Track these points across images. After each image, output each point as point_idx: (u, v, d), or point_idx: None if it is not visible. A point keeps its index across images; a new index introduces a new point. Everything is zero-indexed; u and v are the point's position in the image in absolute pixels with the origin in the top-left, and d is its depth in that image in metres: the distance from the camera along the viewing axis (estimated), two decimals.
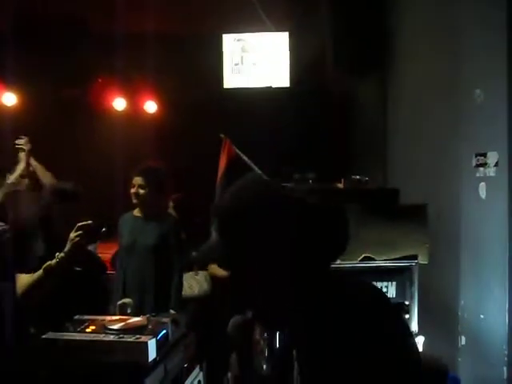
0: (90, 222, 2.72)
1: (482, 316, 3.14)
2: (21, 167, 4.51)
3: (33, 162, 4.60)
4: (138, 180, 3.88)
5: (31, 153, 4.60)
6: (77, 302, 2.62)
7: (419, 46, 4.20)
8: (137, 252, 3.86)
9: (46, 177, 4.59)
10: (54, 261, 2.60)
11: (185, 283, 4.97)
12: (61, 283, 2.62)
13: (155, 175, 3.92)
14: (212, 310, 4.41)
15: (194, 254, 5.05)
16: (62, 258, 2.61)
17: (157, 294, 3.76)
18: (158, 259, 3.90)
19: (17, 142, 4.56)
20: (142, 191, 3.87)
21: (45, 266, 2.58)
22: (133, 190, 3.88)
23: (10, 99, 6.18)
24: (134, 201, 3.91)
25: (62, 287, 2.62)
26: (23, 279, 2.60)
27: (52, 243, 2.75)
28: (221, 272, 4.29)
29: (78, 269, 2.75)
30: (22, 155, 4.54)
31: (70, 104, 6.35)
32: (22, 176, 4.52)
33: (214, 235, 1.76)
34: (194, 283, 4.95)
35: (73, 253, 2.64)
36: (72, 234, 2.64)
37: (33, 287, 2.59)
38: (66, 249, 2.63)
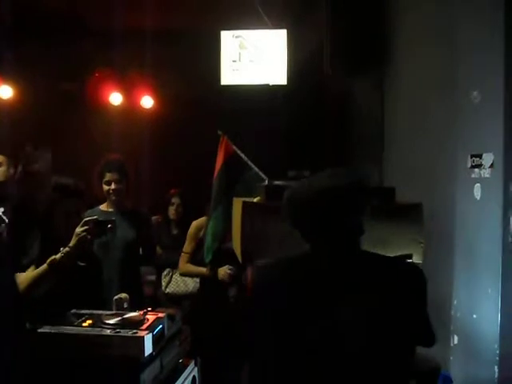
0: (96, 216, 2.74)
1: (474, 316, 3.17)
2: None
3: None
4: (113, 176, 3.84)
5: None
6: (79, 297, 2.62)
7: (417, 46, 4.22)
8: (115, 247, 3.82)
9: None
10: (58, 255, 2.59)
11: (179, 280, 5.00)
12: (64, 278, 2.61)
13: (126, 169, 3.92)
14: (206, 306, 4.42)
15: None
16: (67, 252, 2.60)
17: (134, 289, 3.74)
18: (135, 253, 3.91)
19: None
20: (119, 186, 3.86)
21: (49, 260, 2.58)
22: (112, 187, 3.85)
23: (7, 92, 6.17)
24: (113, 197, 3.88)
25: (65, 282, 2.62)
26: (26, 273, 2.59)
27: (52, 241, 2.74)
28: (197, 269, 4.41)
29: (81, 264, 2.75)
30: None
31: (66, 98, 6.35)
32: None
33: None
34: (188, 280, 4.97)
35: (78, 248, 2.65)
36: (78, 229, 2.65)
37: (36, 282, 2.57)
38: (71, 243, 2.63)
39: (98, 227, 2.69)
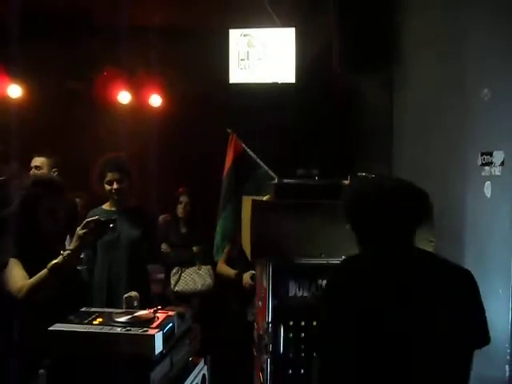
0: (97, 217, 2.71)
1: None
2: None
3: None
4: (114, 175, 3.81)
5: None
6: (79, 302, 2.59)
7: (427, 44, 4.20)
8: (121, 246, 3.81)
9: None
10: (59, 259, 2.53)
11: (188, 278, 5.01)
12: (64, 282, 2.56)
13: (128, 168, 3.89)
14: (215, 304, 4.43)
15: (195, 248, 5.08)
16: (68, 255, 2.54)
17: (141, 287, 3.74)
18: (140, 251, 3.90)
19: None
20: (121, 186, 3.83)
21: (50, 264, 2.51)
22: (114, 187, 3.82)
23: (15, 91, 6.19)
24: (115, 197, 3.86)
25: (64, 286, 2.57)
26: (22, 278, 2.53)
27: (34, 237, 2.67)
28: (227, 271, 4.35)
29: (80, 267, 2.73)
30: None
31: (74, 97, 6.36)
32: None
33: None
34: (197, 278, 4.98)
35: (80, 250, 2.62)
36: (80, 231, 2.60)
37: (38, 287, 2.51)
38: (71, 246, 2.59)
39: (99, 228, 2.64)
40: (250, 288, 4.08)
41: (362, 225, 2.00)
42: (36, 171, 4.34)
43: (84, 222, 2.62)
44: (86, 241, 2.60)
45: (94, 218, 2.67)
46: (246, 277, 4.14)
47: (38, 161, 4.41)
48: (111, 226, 2.68)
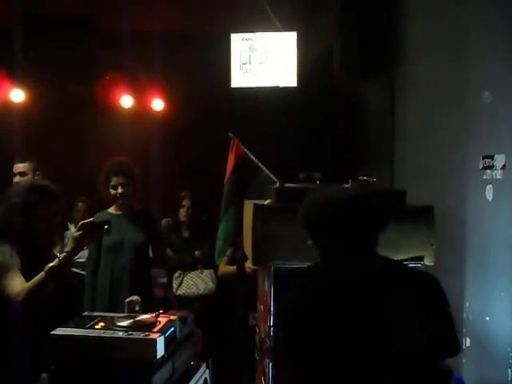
0: (92, 219, 2.71)
1: (487, 318, 3.15)
2: None
3: None
4: (119, 180, 3.82)
5: None
6: (73, 306, 2.59)
7: (429, 47, 4.20)
8: (125, 250, 3.82)
9: None
10: (56, 262, 2.53)
11: (190, 282, 5.02)
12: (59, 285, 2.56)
13: (133, 172, 3.91)
14: (218, 308, 4.43)
15: (197, 252, 5.08)
16: (64, 258, 2.54)
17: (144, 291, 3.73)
18: (145, 255, 3.91)
19: None
20: (126, 190, 3.85)
21: (47, 268, 2.51)
22: (119, 191, 3.83)
23: (18, 96, 6.21)
24: (120, 201, 3.88)
25: (59, 289, 2.57)
26: (21, 283, 2.53)
27: (30, 246, 2.65)
28: (230, 269, 4.37)
29: (75, 270, 2.73)
30: None
31: (77, 101, 6.38)
32: None
33: None
34: (199, 282, 4.99)
35: (76, 252, 2.62)
36: (75, 233, 2.60)
37: (35, 290, 2.50)
38: (67, 248, 2.59)
39: (94, 230, 2.64)
40: (253, 273, 4.13)
41: (322, 237, 1.97)
42: (21, 177, 4.33)
43: (79, 225, 2.63)
44: (81, 243, 2.60)
45: (89, 220, 2.68)
46: (248, 264, 4.17)
47: (20, 167, 4.37)
48: (106, 227, 2.67)
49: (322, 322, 1.79)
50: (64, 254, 2.57)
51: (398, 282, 1.87)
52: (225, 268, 4.46)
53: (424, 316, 1.82)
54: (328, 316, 1.79)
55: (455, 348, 1.89)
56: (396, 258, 2.81)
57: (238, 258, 4.17)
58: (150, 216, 4.10)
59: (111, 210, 3.96)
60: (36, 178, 4.36)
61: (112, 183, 3.86)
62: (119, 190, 3.85)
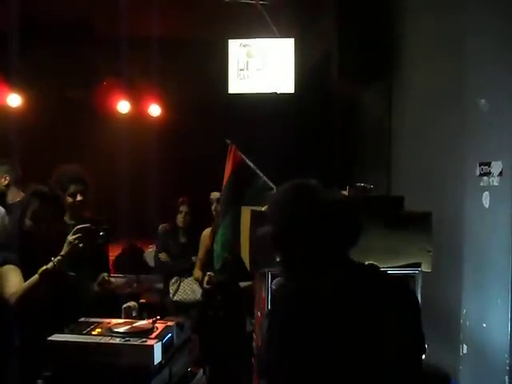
0: (88, 224, 2.72)
1: (484, 325, 3.15)
2: None
3: None
4: (77, 187, 3.68)
5: None
6: (70, 308, 2.59)
7: (426, 54, 4.22)
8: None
9: None
10: (50, 264, 2.55)
11: (187, 288, 5.01)
12: (55, 288, 2.57)
13: (87, 179, 3.81)
14: (214, 314, 4.42)
15: (194, 258, 5.08)
16: (58, 261, 2.57)
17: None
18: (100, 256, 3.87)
19: None
20: (85, 197, 3.73)
21: (41, 270, 2.53)
22: (78, 199, 3.71)
23: (15, 101, 6.21)
24: (79, 209, 3.74)
25: (55, 292, 2.58)
26: (17, 284, 2.55)
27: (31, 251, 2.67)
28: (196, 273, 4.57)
29: (71, 273, 2.73)
30: None
31: (74, 106, 6.38)
32: None
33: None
34: (196, 288, 4.97)
35: (71, 256, 2.63)
36: (70, 237, 2.62)
37: (28, 293, 2.52)
38: (62, 252, 2.60)
39: (90, 235, 2.67)
40: (207, 284, 4.41)
41: (294, 248, 1.89)
42: None
43: (75, 229, 2.64)
44: (76, 247, 2.61)
45: (84, 225, 2.68)
46: (196, 273, 4.55)
47: None
48: (101, 233, 2.72)
49: (309, 334, 1.79)
50: (59, 257, 2.58)
51: (376, 288, 1.87)
52: (198, 273, 4.65)
53: (399, 320, 1.84)
54: (314, 328, 1.78)
55: (424, 348, 1.94)
56: (394, 265, 2.83)
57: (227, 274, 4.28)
58: (101, 223, 3.97)
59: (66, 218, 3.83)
60: (2, 180, 4.49)
61: (70, 191, 3.72)
62: (78, 198, 3.72)
